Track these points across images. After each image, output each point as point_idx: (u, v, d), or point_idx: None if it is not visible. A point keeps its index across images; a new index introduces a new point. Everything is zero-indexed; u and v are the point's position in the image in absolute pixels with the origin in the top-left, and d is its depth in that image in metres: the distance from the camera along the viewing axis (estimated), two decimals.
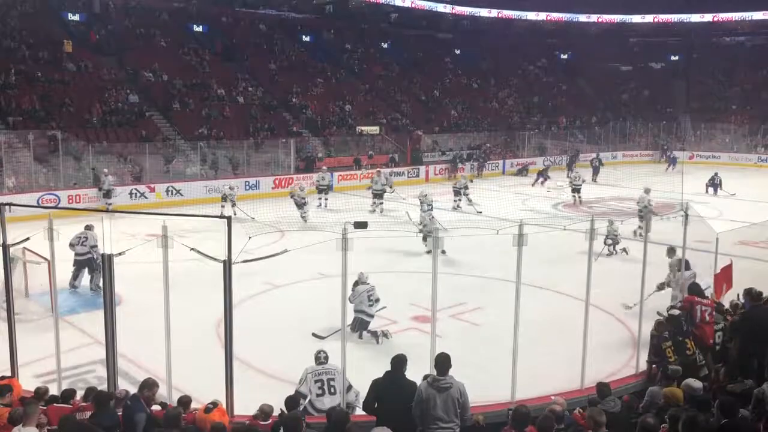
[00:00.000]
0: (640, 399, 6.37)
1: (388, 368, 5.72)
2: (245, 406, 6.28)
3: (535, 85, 45.08)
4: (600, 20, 46.91)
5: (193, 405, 6.01)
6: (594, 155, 31.05)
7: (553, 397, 6.33)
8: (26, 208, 10.37)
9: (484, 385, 6.93)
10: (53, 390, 6.50)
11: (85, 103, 25.83)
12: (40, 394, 6.06)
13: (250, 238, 7.29)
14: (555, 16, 46.46)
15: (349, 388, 6.71)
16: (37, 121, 23.67)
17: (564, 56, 48.88)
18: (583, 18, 46.70)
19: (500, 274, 11.57)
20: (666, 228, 9.85)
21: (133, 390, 6.00)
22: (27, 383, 6.80)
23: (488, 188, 24.11)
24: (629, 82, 47.05)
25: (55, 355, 7.03)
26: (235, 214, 17.67)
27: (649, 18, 46.69)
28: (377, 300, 9.87)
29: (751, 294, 7.64)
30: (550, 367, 8.12)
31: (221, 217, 7.01)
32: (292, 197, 19.00)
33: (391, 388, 5.61)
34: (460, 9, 42.84)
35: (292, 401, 6.06)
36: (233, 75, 32.01)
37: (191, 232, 9.69)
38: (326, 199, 21.78)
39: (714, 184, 25.02)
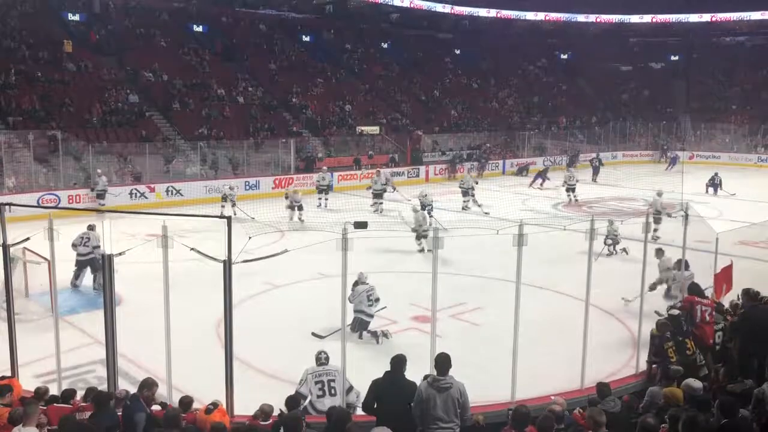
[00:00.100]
0: (640, 399, 6.37)
1: (388, 368, 5.72)
2: (245, 406, 6.28)
3: (535, 85, 45.08)
4: (598, 20, 46.92)
5: (194, 405, 6.02)
6: (594, 155, 31.05)
7: (553, 397, 6.33)
8: (26, 208, 10.37)
9: (484, 385, 6.93)
10: (53, 390, 6.50)
11: (85, 103, 25.83)
12: (40, 394, 6.06)
13: (250, 238, 7.29)
14: (554, 16, 46.46)
15: (350, 389, 6.71)
16: (37, 121, 23.67)
17: (564, 56, 48.89)
18: (581, 18, 46.70)
19: (500, 274, 11.57)
20: (666, 228, 9.89)
21: (133, 390, 6.00)
22: (27, 383, 6.80)
23: (488, 188, 24.09)
24: (629, 82, 47.06)
25: (55, 355, 7.03)
26: (235, 214, 17.67)
27: (647, 18, 46.69)
28: (377, 300, 9.87)
29: (749, 294, 7.65)
30: (550, 367, 8.12)
31: (221, 217, 7.01)
32: (286, 198, 18.91)
33: (391, 389, 5.61)
34: (459, 9, 42.82)
35: (292, 401, 6.05)
36: (233, 75, 32.01)
37: (191, 232, 9.68)
38: (326, 199, 21.78)
39: (714, 184, 25.03)
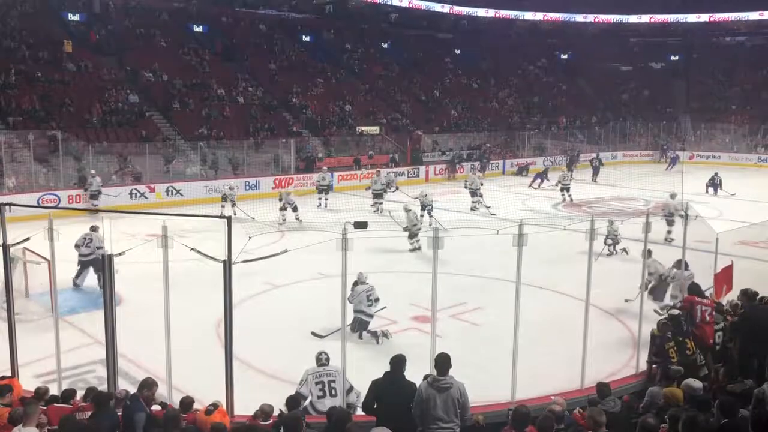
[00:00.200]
0: (640, 399, 6.37)
1: (388, 368, 5.72)
2: (245, 406, 6.28)
3: (535, 85, 45.08)
4: (597, 20, 46.94)
5: (195, 406, 6.01)
6: (594, 155, 31.05)
7: (553, 397, 6.33)
8: (26, 208, 10.37)
9: (484, 385, 6.93)
10: (53, 390, 6.50)
11: (85, 103, 25.83)
12: (41, 394, 6.06)
13: (250, 238, 7.29)
14: (552, 16, 46.49)
15: (350, 389, 6.72)
16: (37, 121, 23.67)
17: (564, 56, 48.89)
18: (580, 18, 46.72)
19: (500, 274, 11.57)
20: (666, 228, 9.90)
21: (133, 390, 6.00)
22: (27, 383, 6.80)
23: (488, 188, 24.06)
24: (629, 82, 47.05)
25: (55, 355, 7.03)
26: (235, 214, 17.66)
27: (645, 18, 46.72)
28: (377, 300, 9.87)
29: (747, 294, 7.65)
30: (550, 367, 8.12)
31: (221, 217, 7.01)
32: (280, 200, 18.83)
33: (391, 389, 5.61)
34: (458, 9, 42.83)
35: (293, 401, 6.06)
36: (233, 75, 32.01)
37: (191, 232, 9.68)
38: (326, 199, 21.77)
39: (714, 184, 25.02)
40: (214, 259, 6.28)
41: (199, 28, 34.61)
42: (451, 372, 5.47)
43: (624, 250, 14.66)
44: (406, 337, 9.57)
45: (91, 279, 12.28)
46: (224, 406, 6.17)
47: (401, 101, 36.52)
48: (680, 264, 9.72)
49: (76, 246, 12.04)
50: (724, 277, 9.04)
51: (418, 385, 5.57)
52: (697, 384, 5.92)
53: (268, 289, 12.01)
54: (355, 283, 9.74)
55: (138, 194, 21.68)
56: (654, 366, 7.41)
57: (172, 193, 22.40)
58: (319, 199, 21.79)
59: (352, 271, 8.24)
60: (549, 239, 10.95)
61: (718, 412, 5.01)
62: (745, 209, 20.46)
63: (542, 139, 36.92)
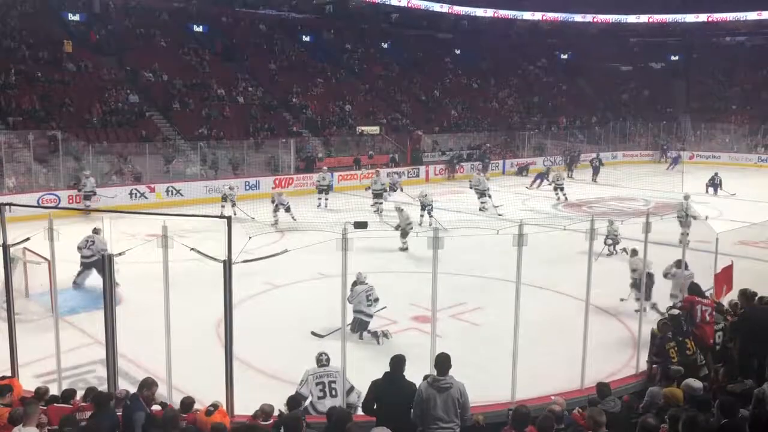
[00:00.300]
0: (640, 399, 6.37)
1: (388, 369, 5.72)
2: (245, 406, 6.28)
3: (535, 85, 45.07)
4: (596, 20, 46.95)
5: (195, 406, 6.01)
6: (594, 155, 31.05)
7: (553, 397, 6.33)
8: (26, 208, 10.38)
9: (484, 385, 6.93)
10: (53, 390, 6.50)
11: (85, 103, 25.82)
12: (41, 394, 6.07)
13: (250, 238, 7.31)
14: (551, 15, 46.50)
15: (351, 389, 6.71)
16: (37, 121, 23.67)
17: (564, 56, 48.89)
18: (578, 18, 46.73)
19: (500, 274, 11.57)
20: (666, 228, 9.91)
21: (133, 390, 6.00)
22: (27, 383, 6.80)
23: (489, 188, 24.06)
24: (629, 82, 47.04)
25: (55, 355, 7.03)
26: (235, 214, 17.67)
27: (644, 18, 46.74)
28: (376, 300, 9.87)
29: (746, 295, 7.65)
30: (550, 367, 8.11)
31: (221, 217, 7.02)
32: (272, 202, 18.70)
33: (391, 389, 5.61)
34: (457, 8, 42.83)
35: (293, 401, 6.07)
36: (233, 75, 32.01)
37: (191, 232, 9.70)
38: (326, 199, 21.76)
39: (714, 184, 25.02)
40: (214, 259, 6.28)
41: (199, 28, 34.61)
42: (451, 372, 5.47)
43: (624, 250, 14.63)
44: (406, 337, 9.57)
45: (91, 279, 12.27)
46: (224, 407, 6.18)
47: (401, 101, 36.52)
48: (680, 263, 9.74)
49: (79, 248, 12.09)
50: (724, 277, 9.04)
51: (418, 385, 5.57)
52: (697, 384, 5.92)
53: (268, 289, 12.01)
54: (355, 284, 9.74)
55: (138, 194, 21.68)
56: (654, 366, 7.42)
57: (172, 193, 22.40)
58: (319, 199, 21.79)
59: (352, 271, 8.25)
60: (549, 239, 10.95)
61: (718, 412, 5.01)
62: (745, 209, 20.46)
63: (542, 139, 36.92)
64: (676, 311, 7.79)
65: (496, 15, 44.56)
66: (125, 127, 25.67)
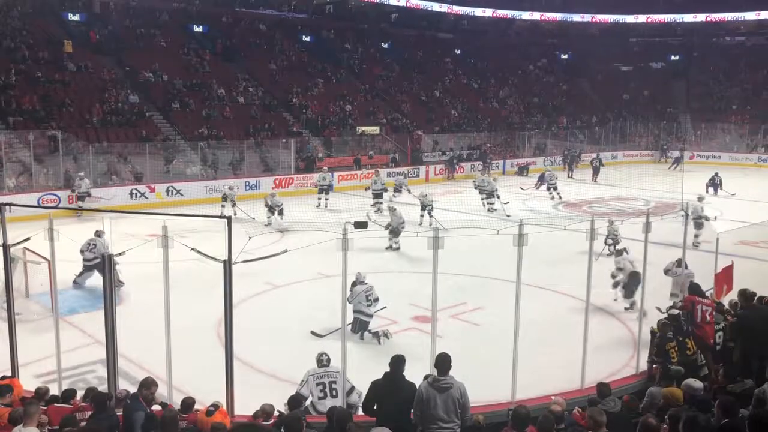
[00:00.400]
0: (640, 399, 6.37)
1: (388, 369, 5.72)
2: (245, 406, 6.28)
3: (535, 85, 45.08)
4: (594, 20, 46.95)
5: (195, 407, 6.01)
6: (594, 155, 31.06)
7: (553, 397, 6.32)
8: (26, 208, 10.38)
9: (484, 385, 6.92)
10: (54, 390, 6.50)
11: (85, 103, 25.81)
12: (41, 394, 6.07)
13: (250, 238, 7.32)
14: (550, 15, 46.50)
15: (352, 389, 6.72)
16: (37, 121, 23.65)
17: (564, 56, 48.89)
18: (577, 18, 46.72)
19: (500, 274, 11.55)
20: (666, 228, 9.90)
21: (133, 390, 6.00)
22: (27, 383, 6.79)
23: None
24: (629, 82, 47.04)
25: (55, 355, 7.03)
26: (235, 214, 17.67)
27: (642, 18, 46.74)
28: (376, 300, 9.87)
29: (744, 295, 7.64)
30: (550, 367, 8.11)
31: (221, 217, 7.02)
32: (266, 206, 18.54)
33: (390, 389, 5.61)
34: (457, 8, 42.80)
35: (295, 401, 6.07)
36: (233, 75, 31.99)
37: (191, 232, 9.68)
38: (327, 199, 21.76)
39: (714, 184, 25.01)
40: (214, 259, 6.28)
41: (199, 28, 34.59)
42: (451, 372, 5.47)
43: (624, 249, 14.63)
44: (406, 337, 9.57)
45: (92, 280, 12.28)
46: (224, 407, 6.18)
47: (401, 101, 36.51)
48: (680, 263, 9.75)
49: (81, 251, 12.10)
50: (725, 277, 9.03)
51: (418, 385, 5.57)
52: (697, 384, 5.92)
53: (268, 289, 12.01)
54: (354, 284, 9.74)
55: (138, 194, 21.68)
56: (654, 366, 7.42)
57: (172, 193, 22.41)
58: (319, 199, 21.78)
59: (352, 271, 8.24)
60: (549, 239, 10.94)
61: (718, 412, 5.00)
62: (745, 209, 20.46)
63: (542, 139, 36.92)
64: (676, 311, 7.79)
65: (495, 15, 44.53)
66: (125, 127, 25.66)
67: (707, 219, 15.02)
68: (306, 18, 40.26)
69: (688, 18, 45.63)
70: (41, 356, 7.75)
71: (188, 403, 5.96)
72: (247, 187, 23.72)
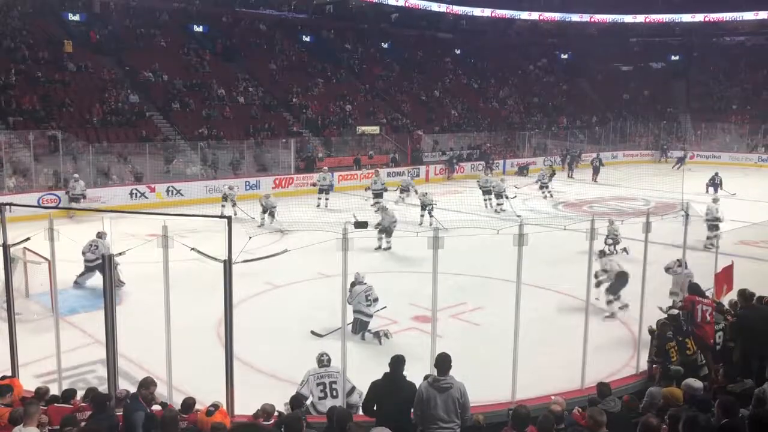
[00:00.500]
0: (640, 399, 6.37)
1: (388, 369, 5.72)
2: (245, 406, 6.28)
3: (535, 85, 45.09)
4: (593, 20, 46.97)
5: (196, 407, 6.01)
6: (594, 155, 31.07)
7: (553, 397, 6.32)
8: (26, 208, 10.38)
9: (484, 385, 6.92)
10: (54, 390, 6.50)
11: (85, 103, 25.81)
12: (41, 394, 6.07)
13: (250, 238, 7.32)
14: (548, 15, 46.52)
15: (352, 389, 6.71)
16: (37, 121, 23.65)
17: (564, 56, 48.90)
18: (576, 17, 46.74)
19: (500, 274, 11.55)
20: (666, 228, 9.90)
21: (133, 390, 6.01)
22: (27, 383, 6.79)
23: None
24: (629, 82, 47.04)
25: (55, 355, 7.03)
26: (235, 214, 17.66)
27: (640, 18, 46.75)
28: (376, 299, 9.86)
29: (744, 295, 7.64)
30: (550, 367, 8.11)
31: (221, 217, 7.02)
32: (262, 208, 18.45)
33: (390, 389, 5.61)
34: (455, 8, 42.82)
35: (296, 401, 6.08)
36: (233, 75, 31.99)
37: (191, 232, 9.68)
38: (327, 199, 21.75)
39: (714, 184, 24.99)
40: (215, 259, 6.29)
41: (199, 28, 34.59)
42: (451, 372, 5.47)
43: (624, 249, 14.65)
44: (406, 337, 9.57)
45: (93, 280, 12.28)
46: (225, 407, 6.18)
47: (401, 101, 36.51)
48: (680, 262, 9.76)
49: (83, 252, 12.11)
50: (725, 277, 9.04)
51: (418, 386, 5.57)
52: (697, 384, 5.92)
53: (268, 289, 12.01)
54: (353, 284, 9.73)
55: (138, 194, 21.68)
56: (654, 366, 7.42)
57: (172, 193, 22.41)
58: (319, 199, 21.78)
59: (353, 271, 8.24)
60: (549, 239, 10.94)
61: (718, 412, 5.00)
62: (745, 209, 20.46)
63: (542, 139, 36.93)
64: (675, 311, 7.80)
65: (494, 15, 44.55)
66: (125, 127, 25.66)
67: (721, 221, 14.96)
68: (306, 18, 40.28)
69: (687, 18, 45.69)
70: (41, 356, 7.75)
71: (189, 404, 5.96)
72: (247, 187, 23.71)
